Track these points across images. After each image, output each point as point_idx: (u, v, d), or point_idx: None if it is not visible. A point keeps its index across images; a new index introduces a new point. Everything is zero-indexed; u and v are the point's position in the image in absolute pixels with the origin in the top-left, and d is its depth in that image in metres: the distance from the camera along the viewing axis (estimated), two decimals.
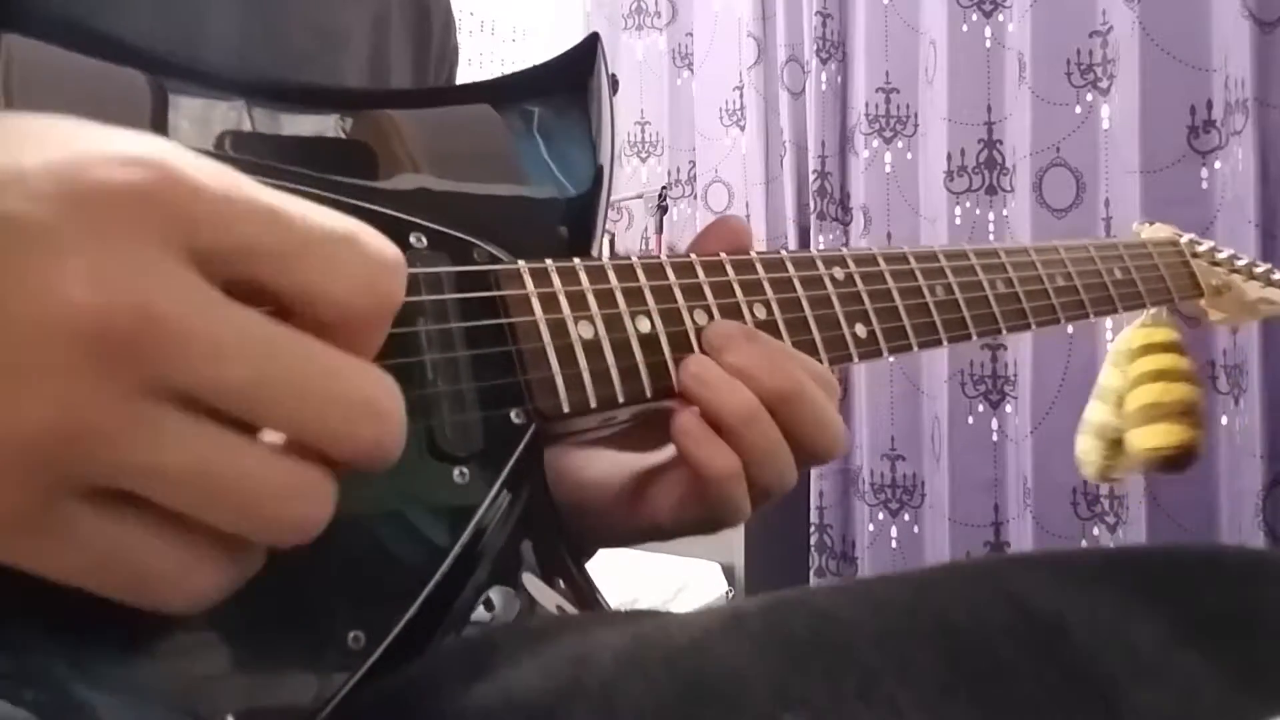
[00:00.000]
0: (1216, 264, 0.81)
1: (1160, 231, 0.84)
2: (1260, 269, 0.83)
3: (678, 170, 2.50)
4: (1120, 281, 0.67)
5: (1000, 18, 1.94)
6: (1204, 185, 1.69)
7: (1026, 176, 1.86)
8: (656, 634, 0.27)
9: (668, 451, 0.44)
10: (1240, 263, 0.82)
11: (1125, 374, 0.84)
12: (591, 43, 0.48)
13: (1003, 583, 0.27)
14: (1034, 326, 0.58)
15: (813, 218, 2.20)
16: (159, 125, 0.36)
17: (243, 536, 0.25)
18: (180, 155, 0.24)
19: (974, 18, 1.95)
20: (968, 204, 1.97)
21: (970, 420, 1.98)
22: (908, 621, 0.26)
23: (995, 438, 1.97)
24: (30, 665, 0.26)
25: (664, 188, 2.39)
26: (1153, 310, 0.81)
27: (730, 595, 2.03)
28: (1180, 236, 0.81)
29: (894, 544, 2.10)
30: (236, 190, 0.24)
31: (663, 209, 2.30)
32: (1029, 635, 0.25)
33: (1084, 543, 1.83)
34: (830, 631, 0.26)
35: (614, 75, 0.48)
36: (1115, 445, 0.85)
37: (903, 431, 2.09)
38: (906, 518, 2.10)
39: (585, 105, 0.47)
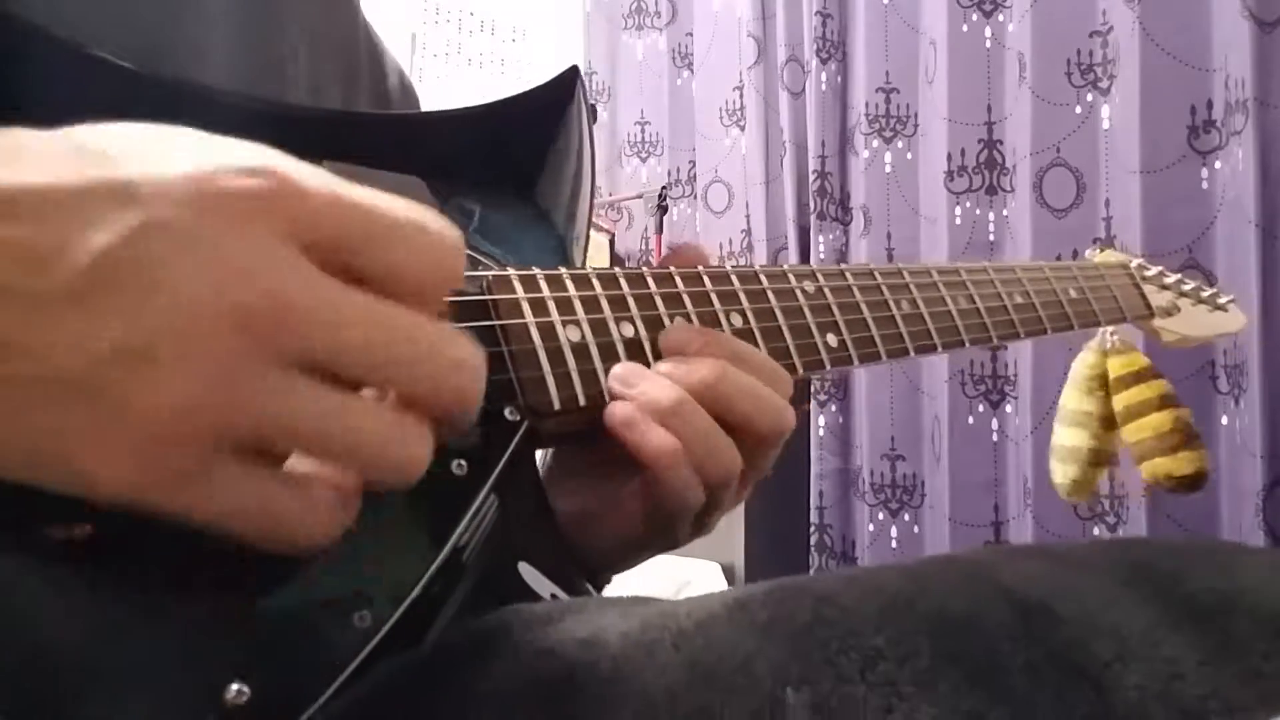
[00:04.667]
0: (1165, 287, 0.86)
1: (1112, 256, 0.89)
2: (1206, 294, 0.89)
3: (678, 170, 2.50)
4: (1075, 300, 0.71)
5: (1000, 18, 1.94)
6: (1204, 185, 1.69)
7: (1026, 176, 1.86)
8: (662, 618, 0.29)
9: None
10: (1187, 287, 0.88)
11: (1105, 400, 0.90)
12: (571, 75, 0.50)
13: (995, 573, 0.29)
14: (995, 340, 0.61)
15: (813, 218, 2.20)
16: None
17: (359, 480, 0.29)
18: (290, 163, 0.28)
19: (974, 18, 1.95)
20: (968, 204, 1.97)
21: (970, 420, 1.98)
22: (905, 609, 0.27)
23: (995, 438, 1.97)
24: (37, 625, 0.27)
25: (664, 188, 2.39)
26: (1114, 337, 0.87)
27: None
28: (1130, 261, 0.86)
29: (894, 544, 2.11)
30: (336, 191, 0.29)
31: (663, 209, 2.30)
32: (1020, 622, 0.26)
33: (1080, 539, 1.83)
34: (831, 617, 0.27)
35: (593, 105, 0.50)
36: (1099, 467, 0.92)
37: (903, 431, 2.09)
38: (906, 518, 2.10)
39: (564, 140, 0.49)
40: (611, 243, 2.41)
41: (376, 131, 0.46)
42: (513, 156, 0.49)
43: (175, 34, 0.46)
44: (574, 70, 0.50)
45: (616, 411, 0.42)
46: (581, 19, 2.64)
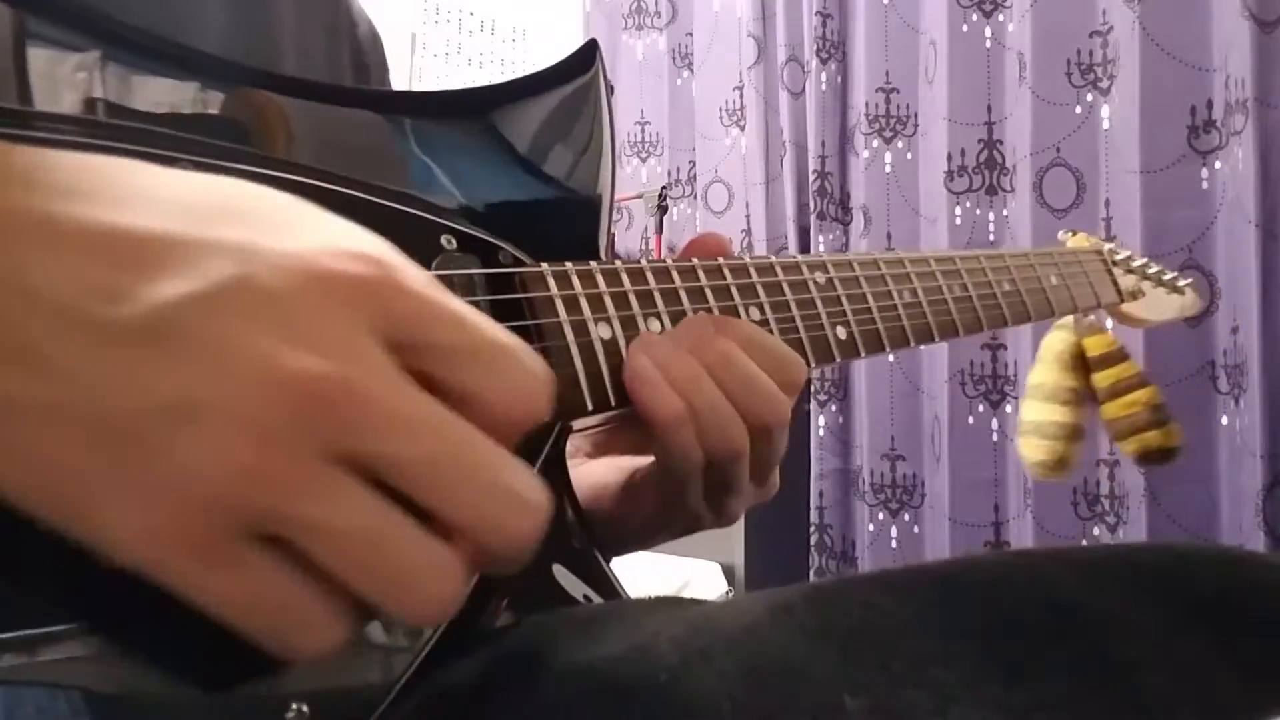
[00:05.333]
0: (1131, 271, 0.88)
1: (1083, 241, 0.91)
2: (1167, 277, 0.91)
3: (678, 170, 2.50)
4: (1056, 287, 0.73)
5: (1000, 18, 1.94)
6: (1204, 185, 1.69)
7: (1027, 176, 1.86)
8: (709, 624, 0.29)
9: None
10: (1151, 270, 0.90)
11: (1085, 377, 0.91)
12: (590, 50, 0.50)
13: (1020, 576, 0.29)
14: (985, 326, 0.62)
15: (813, 218, 2.21)
16: (19, 57, 0.35)
17: (377, 603, 0.26)
18: (399, 259, 0.27)
19: (974, 18, 1.95)
20: (968, 204, 1.97)
21: (970, 420, 1.98)
22: (943, 613, 0.28)
23: (995, 438, 1.97)
24: (110, 648, 0.27)
25: (664, 188, 2.38)
26: (1089, 317, 0.88)
27: (730, 595, 2.03)
28: (1103, 246, 0.87)
29: (894, 544, 2.11)
30: (434, 295, 0.27)
31: (663, 209, 2.30)
32: (1054, 624, 0.27)
33: (1084, 543, 1.83)
34: (874, 622, 0.28)
35: (609, 82, 0.50)
36: (1075, 443, 0.92)
37: (903, 431, 2.10)
38: (906, 518, 2.10)
39: (585, 115, 0.49)
40: (611, 242, 2.40)
41: (395, 107, 0.46)
42: (534, 127, 0.49)
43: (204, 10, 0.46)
44: (593, 44, 0.50)
45: (634, 367, 0.42)
46: (581, 19, 2.64)
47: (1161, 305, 0.90)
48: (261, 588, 0.25)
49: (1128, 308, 0.86)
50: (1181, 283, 0.94)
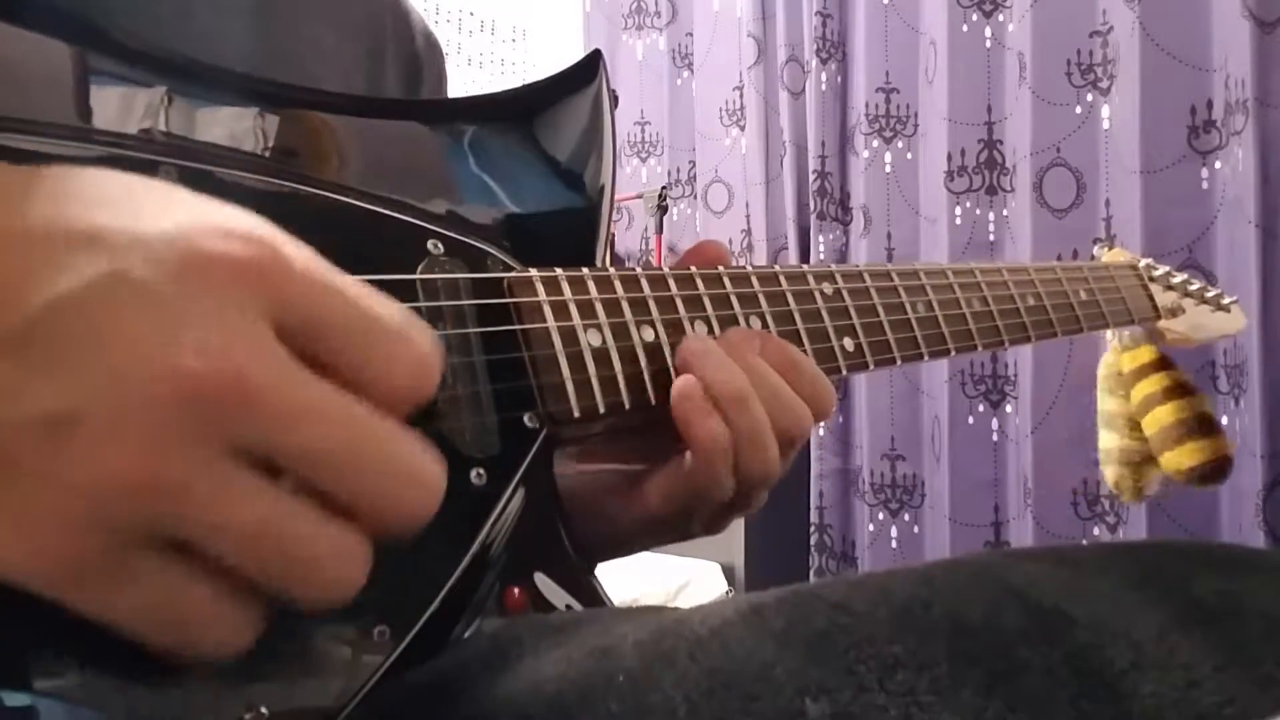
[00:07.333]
0: (1171, 288, 0.86)
1: (1120, 256, 0.89)
2: (1210, 294, 0.89)
3: (678, 170, 2.50)
4: (1085, 302, 0.71)
5: (1000, 18, 1.94)
6: (1204, 185, 1.69)
7: (1027, 176, 1.86)
8: (677, 626, 0.29)
9: (659, 455, 0.46)
10: (1193, 287, 0.88)
11: (1125, 398, 0.89)
12: (594, 59, 0.49)
13: (1005, 576, 0.28)
14: (1007, 344, 0.61)
15: (813, 218, 2.21)
16: (81, 100, 0.35)
17: (284, 594, 0.26)
18: (278, 236, 0.26)
19: (974, 18, 1.95)
20: (968, 204, 1.97)
21: (970, 420, 1.98)
22: (920, 615, 0.27)
23: (995, 438, 1.97)
24: (56, 655, 0.27)
25: (664, 188, 2.39)
26: (1128, 332, 0.86)
27: (730, 595, 2.03)
28: (1139, 261, 0.86)
29: (894, 544, 2.11)
30: (322, 274, 0.27)
31: (663, 209, 2.30)
32: (1035, 627, 0.26)
33: (1084, 543, 1.83)
34: (846, 624, 0.27)
35: (614, 91, 0.49)
36: (1140, 465, 0.91)
37: (903, 431, 2.09)
38: (906, 518, 2.10)
39: (587, 124, 0.49)
40: (611, 243, 2.40)
41: (396, 115, 0.46)
42: (536, 138, 0.49)
43: (192, 26, 0.45)
44: (596, 54, 0.50)
45: (682, 388, 0.42)
46: (581, 19, 2.64)
47: (1205, 322, 0.87)
48: (162, 597, 0.24)
49: (1166, 324, 0.83)
50: (1226, 300, 0.91)
